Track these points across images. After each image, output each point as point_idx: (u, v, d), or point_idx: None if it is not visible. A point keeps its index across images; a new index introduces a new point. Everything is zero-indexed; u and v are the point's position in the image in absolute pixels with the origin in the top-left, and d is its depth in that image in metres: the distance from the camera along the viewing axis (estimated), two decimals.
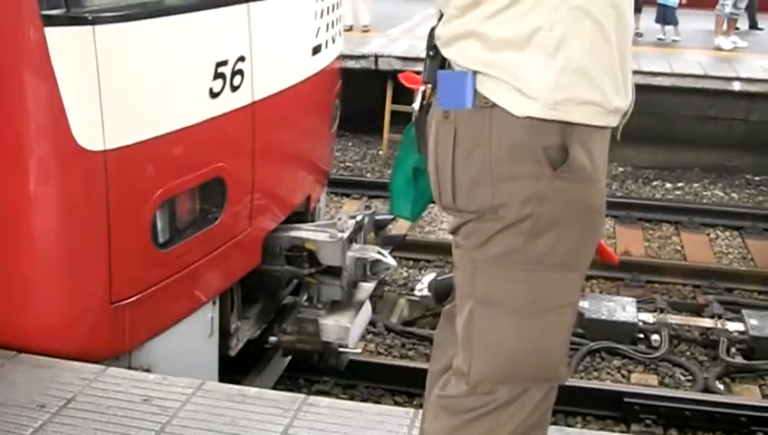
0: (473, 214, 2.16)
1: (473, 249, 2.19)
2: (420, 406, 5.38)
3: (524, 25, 2.02)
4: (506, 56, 2.06)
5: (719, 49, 13.15)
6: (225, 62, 3.73)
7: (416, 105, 2.55)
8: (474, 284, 2.21)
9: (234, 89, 3.82)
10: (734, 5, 13.60)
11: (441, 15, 2.30)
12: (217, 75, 3.69)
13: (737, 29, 14.35)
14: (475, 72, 2.11)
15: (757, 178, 10.99)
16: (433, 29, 2.35)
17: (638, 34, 14.21)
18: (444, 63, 2.27)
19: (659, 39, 14.01)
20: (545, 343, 2.17)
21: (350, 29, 13.29)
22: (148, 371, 3.57)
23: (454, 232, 2.29)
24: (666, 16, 14.10)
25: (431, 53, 2.34)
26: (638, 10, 14.27)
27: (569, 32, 2.01)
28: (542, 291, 2.14)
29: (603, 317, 6.58)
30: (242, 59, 3.86)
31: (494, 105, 2.07)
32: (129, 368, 3.52)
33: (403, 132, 2.79)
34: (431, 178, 2.34)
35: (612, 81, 2.09)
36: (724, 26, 13.60)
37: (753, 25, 15.97)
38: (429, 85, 2.42)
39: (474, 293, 2.20)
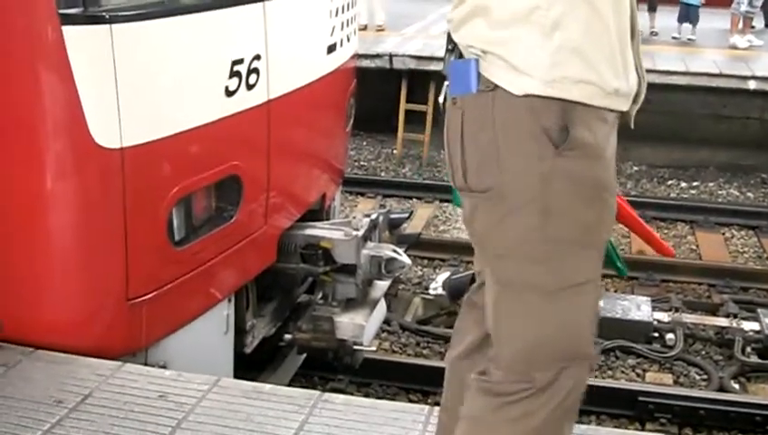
0: (483, 193, 2.19)
1: (489, 232, 2.23)
2: (436, 404, 5.39)
3: (524, 3, 2.06)
4: (506, 34, 2.11)
5: (735, 48, 13.10)
6: (240, 61, 3.75)
7: (441, 99, 2.57)
8: (494, 268, 2.24)
9: (249, 87, 3.84)
10: (750, 4, 13.55)
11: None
12: (233, 74, 3.71)
13: (753, 27, 14.29)
14: (477, 59, 2.17)
15: None
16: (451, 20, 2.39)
17: (654, 33, 14.18)
18: (459, 56, 2.31)
19: (674, 38, 13.96)
20: (570, 320, 2.20)
21: (364, 28, 13.30)
22: (164, 367, 3.59)
23: (470, 217, 2.31)
24: (689, 15, 14.04)
25: (449, 47, 2.39)
26: (652, 9, 14.23)
27: (566, 12, 2.05)
28: (561, 269, 2.16)
29: (618, 316, 6.57)
30: (257, 57, 3.87)
31: (496, 87, 2.12)
32: (146, 364, 3.54)
33: None
34: (446, 162, 2.39)
35: (611, 63, 2.12)
36: (740, 25, 13.54)
37: None
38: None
39: (496, 277, 2.24)
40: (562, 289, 2.16)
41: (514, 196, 2.13)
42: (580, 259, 2.18)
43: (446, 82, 2.50)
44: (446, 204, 9.84)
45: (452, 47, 2.37)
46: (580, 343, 2.25)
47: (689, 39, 13.95)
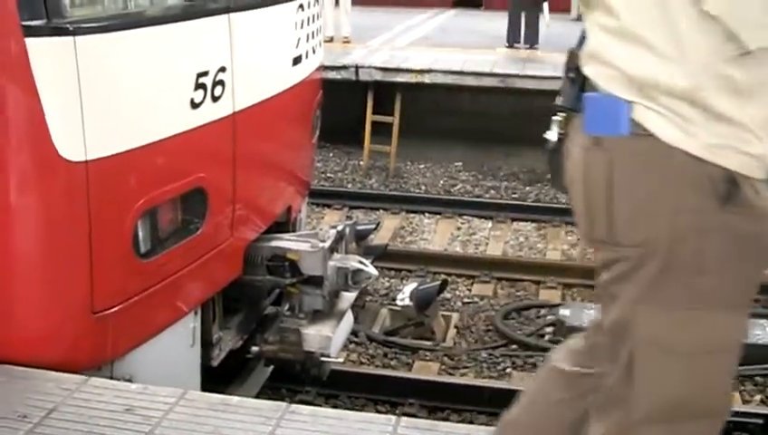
0: (632, 248, 2.07)
1: (633, 290, 2.09)
2: (404, 414, 5.41)
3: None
4: None
5: None
6: (206, 73, 3.75)
7: (551, 135, 2.45)
8: (633, 324, 2.11)
9: (215, 99, 3.84)
10: None
11: (582, 33, 2.23)
12: (198, 86, 3.71)
13: None
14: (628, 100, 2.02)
15: None
16: (573, 50, 2.27)
17: None
18: (584, 85, 2.17)
19: None
20: (710, 382, 2.11)
21: (330, 40, 13.32)
22: (130, 380, 3.57)
23: (604, 268, 2.18)
24: None
25: (571, 76, 2.25)
26: None
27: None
28: (707, 332, 2.05)
29: (585, 325, 6.51)
30: (223, 69, 3.87)
31: (652, 134, 1.99)
32: (112, 378, 3.52)
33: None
34: (578, 209, 2.24)
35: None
36: None
37: None
38: (563, 114, 2.36)
39: (633, 334, 2.11)
40: (706, 352, 2.06)
41: (667, 252, 2.01)
42: (726, 322, 2.07)
43: (555, 118, 2.41)
44: (412, 215, 9.87)
45: (575, 75, 2.23)
46: (718, 403, 2.17)
47: None
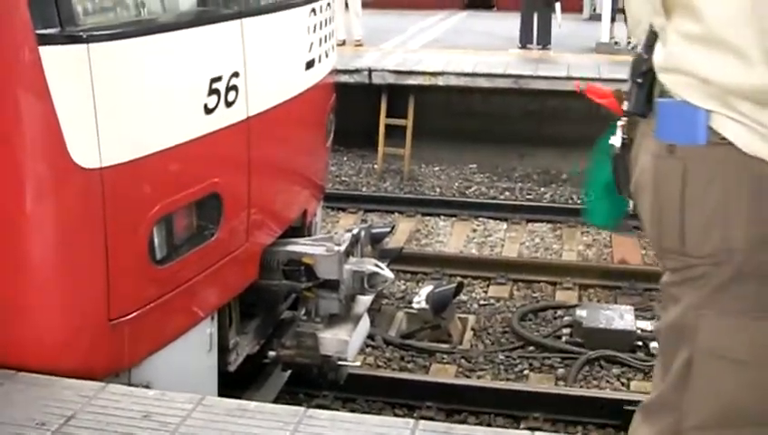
0: (703, 259, 2.06)
1: (699, 296, 2.08)
2: (422, 418, 5.40)
3: None
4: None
5: None
6: (219, 78, 3.75)
7: (616, 140, 2.46)
8: (696, 332, 2.09)
9: (228, 105, 3.84)
10: None
11: (650, 38, 2.22)
12: (212, 91, 3.71)
13: None
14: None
15: None
16: (640, 56, 2.25)
17: (616, 43, 14.32)
18: (651, 91, 2.18)
19: (634, 49, 14.09)
20: None
21: (342, 43, 13.34)
22: (148, 387, 3.57)
23: (671, 276, 2.17)
24: None
25: (639, 81, 2.24)
26: (612, 19, 14.40)
27: None
28: None
29: (601, 326, 6.59)
30: (236, 75, 3.87)
31: (730, 143, 1.98)
32: (129, 384, 3.52)
33: (596, 144, 2.69)
34: (646, 217, 2.22)
35: None
36: None
37: None
38: (626, 119, 2.36)
39: (694, 340, 2.09)
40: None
41: (739, 262, 2.00)
42: None
43: (620, 122, 2.41)
44: (428, 217, 9.87)
45: (642, 81, 2.22)
46: None
47: None
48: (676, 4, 2.08)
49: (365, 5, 14.45)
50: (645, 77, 2.21)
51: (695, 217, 2.05)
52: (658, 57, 2.15)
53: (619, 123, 2.42)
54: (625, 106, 2.35)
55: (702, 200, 2.04)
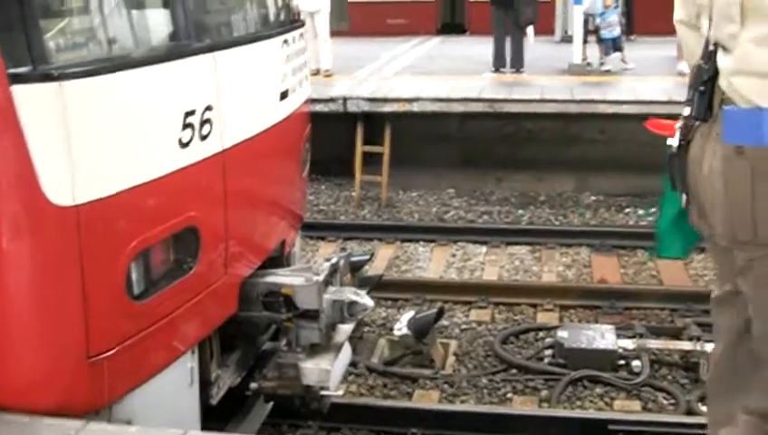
0: None
1: None
2: None
3: None
4: None
5: (682, 74, 13.31)
6: (192, 112, 3.75)
7: (673, 142, 2.77)
8: None
9: (203, 138, 3.84)
10: None
11: (709, 50, 2.52)
12: (186, 125, 3.71)
13: None
14: None
15: None
16: (700, 66, 2.56)
17: (588, 64, 14.45)
18: (711, 98, 2.47)
19: (607, 69, 14.23)
20: None
21: (316, 72, 13.38)
22: (129, 423, 3.55)
23: (744, 271, 2.50)
24: (615, 44, 14.39)
25: (701, 89, 2.52)
26: (584, 41, 14.55)
27: None
28: None
29: (583, 346, 6.61)
30: (210, 108, 3.88)
31: None
32: (110, 422, 3.50)
33: (663, 178, 3.02)
34: (716, 214, 2.53)
35: None
36: None
37: None
38: (683, 124, 2.70)
39: None
40: None
41: None
42: None
43: (677, 125, 2.73)
44: (407, 244, 9.88)
45: (704, 89, 2.52)
46: None
47: (627, 68, 14.23)
48: (752, 11, 2.33)
49: (339, 34, 14.49)
50: (706, 85, 2.51)
51: (766, 210, 2.34)
52: (726, 62, 2.43)
53: (678, 126, 2.73)
54: (685, 111, 2.66)
55: None
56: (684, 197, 2.88)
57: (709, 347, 6.51)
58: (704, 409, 5.97)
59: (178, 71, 3.73)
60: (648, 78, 13.16)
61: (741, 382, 2.87)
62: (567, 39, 17.38)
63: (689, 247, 3.32)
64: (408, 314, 6.95)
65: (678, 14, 2.99)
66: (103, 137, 3.30)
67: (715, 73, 2.56)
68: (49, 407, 3.35)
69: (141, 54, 3.82)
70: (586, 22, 14.65)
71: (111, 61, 3.54)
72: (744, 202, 2.37)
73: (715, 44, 2.55)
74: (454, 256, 9.57)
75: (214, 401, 4.37)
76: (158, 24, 4.06)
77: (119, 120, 3.37)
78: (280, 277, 4.60)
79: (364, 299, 4.60)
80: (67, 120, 3.12)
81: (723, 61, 2.47)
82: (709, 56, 2.55)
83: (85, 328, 3.33)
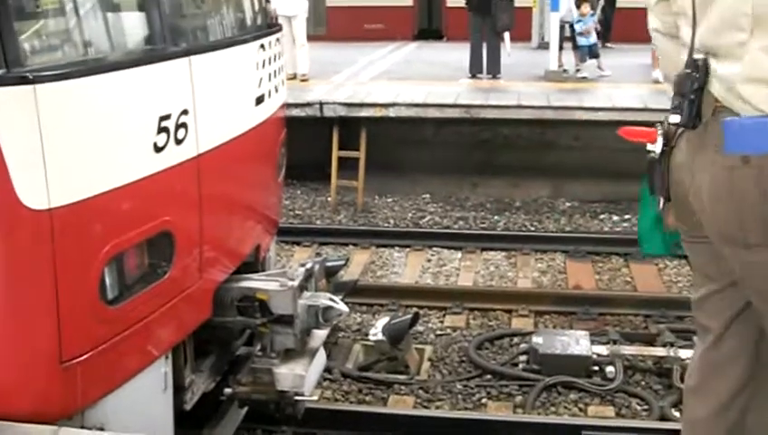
0: None
1: None
2: None
3: None
4: None
5: (658, 81, 13.39)
6: (168, 116, 3.74)
7: (655, 148, 2.88)
8: None
9: (178, 142, 3.82)
10: None
11: (693, 56, 2.63)
12: (161, 129, 3.69)
13: None
14: None
15: None
16: (689, 74, 2.64)
17: (564, 71, 14.52)
18: (699, 106, 2.57)
19: (583, 76, 14.30)
20: None
21: (293, 77, 13.37)
22: (101, 429, 3.53)
23: (753, 265, 2.63)
24: (591, 52, 14.47)
25: (691, 97, 2.60)
26: (560, 47, 14.63)
27: None
28: None
29: (557, 352, 6.63)
30: (185, 112, 3.86)
31: None
32: (83, 427, 3.48)
33: (641, 182, 3.15)
34: (721, 222, 2.63)
35: None
36: None
37: None
38: (665, 130, 2.83)
39: None
40: None
41: None
42: None
43: (660, 131, 2.84)
44: (382, 249, 9.88)
45: (693, 97, 2.60)
46: None
47: (604, 74, 14.30)
48: (763, 20, 2.41)
49: (315, 39, 14.48)
50: (696, 93, 2.58)
51: None
52: (731, 70, 2.49)
53: (660, 132, 2.85)
54: (672, 119, 2.73)
55: None
56: (661, 200, 2.96)
57: (683, 353, 6.58)
58: (677, 414, 6.01)
59: (154, 75, 3.72)
60: (624, 85, 13.23)
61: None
62: (544, 45, 17.46)
63: (672, 244, 3.40)
64: (382, 320, 6.95)
65: (653, 22, 3.03)
66: (78, 140, 3.28)
67: (705, 82, 2.62)
68: (21, 412, 3.33)
69: (116, 58, 3.80)
70: (562, 28, 14.73)
71: (86, 64, 3.52)
72: (754, 207, 2.45)
73: (707, 52, 2.60)
74: (429, 261, 9.58)
75: (188, 407, 4.36)
76: (133, 27, 4.04)
77: (93, 124, 3.36)
78: (254, 282, 4.59)
79: (339, 304, 4.60)
80: (41, 123, 3.10)
81: (724, 69, 2.53)
82: (696, 64, 2.62)
83: (58, 332, 3.30)
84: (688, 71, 2.65)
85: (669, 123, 2.80)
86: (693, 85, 2.60)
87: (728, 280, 2.98)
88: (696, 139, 2.69)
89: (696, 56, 2.65)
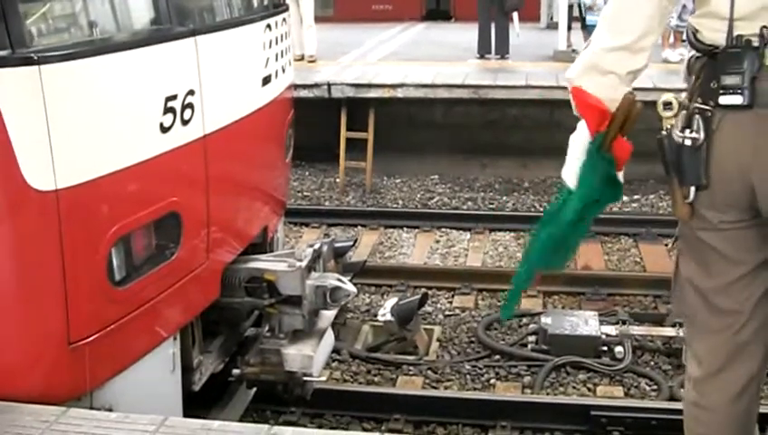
0: None
1: None
2: (389, 431, 5.39)
3: None
4: None
5: (667, 61, 13.33)
6: (174, 97, 3.73)
7: (698, 136, 2.88)
8: None
9: (184, 123, 3.82)
10: (680, 18, 13.77)
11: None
12: (167, 110, 3.69)
13: (683, 41, 14.53)
14: None
15: None
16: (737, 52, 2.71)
17: (573, 51, 14.44)
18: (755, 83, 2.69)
19: None
20: None
21: (301, 58, 13.34)
22: (110, 410, 3.53)
23: None
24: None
25: (755, 75, 2.68)
26: (569, 27, 14.52)
27: None
28: None
29: (566, 332, 6.62)
30: (191, 93, 3.85)
31: None
32: (91, 408, 3.48)
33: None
34: (745, 194, 2.81)
35: None
36: (671, 39, 13.78)
37: None
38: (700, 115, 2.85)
39: None
40: None
41: None
42: None
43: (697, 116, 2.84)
44: (390, 230, 9.87)
45: (758, 75, 2.68)
46: None
47: None
48: None
49: (323, 20, 14.42)
50: (759, 71, 2.65)
51: None
52: None
53: (696, 118, 2.87)
54: (732, 100, 2.77)
55: None
56: (692, 190, 2.93)
57: None
58: None
59: (159, 55, 3.71)
60: None
61: None
62: (553, 26, 17.37)
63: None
64: (391, 301, 6.94)
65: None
66: (83, 121, 3.27)
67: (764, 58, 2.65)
68: (29, 393, 3.33)
69: (122, 38, 3.78)
70: (571, 8, 14.64)
71: (91, 45, 3.51)
72: None
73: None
74: (437, 242, 9.57)
75: (196, 388, 4.37)
76: (139, 7, 4.03)
77: (99, 105, 3.35)
78: (262, 263, 4.59)
79: (347, 285, 4.59)
80: (47, 104, 3.09)
81: None
82: (754, 41, 2.69)
83: (66, 314, 3.31)
84: (738, 49, 2.69)
85: (721, 105, 2.79)
86: (754, 64, 2.63)
87: (761, 259, 2.98)
88: (747, 120, 2.74)
89: (741, 32, 2.68)
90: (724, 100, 2.77)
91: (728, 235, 2.97)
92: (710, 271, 3.04)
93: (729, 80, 2.74)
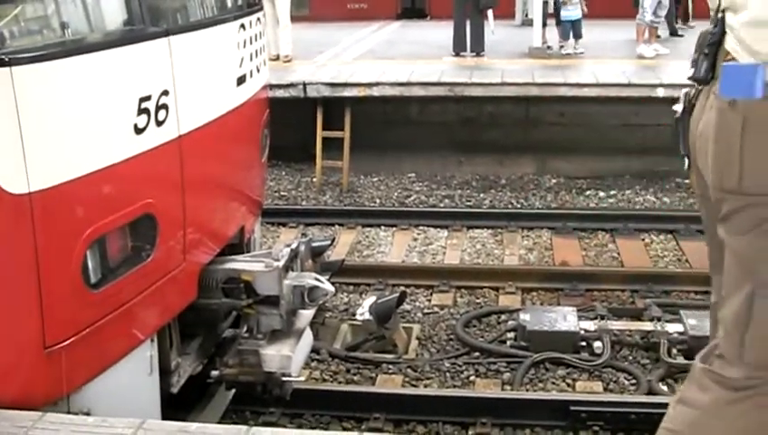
0: (758, 196, 2.43)
1: (756, 233, 2.46)
2: (369, 430, 5.38)
3: None
4: None
5: (642, 57, 13.38)
6: (148, 98, 3.70)
7: (678, 107, 2.90)
8: (755, 267, 2.48)
9: (159, 123, 3.79)
10: (655, 14, 13.85)
11: (717, 15, 2.63)
12: (141, 111, 3.66)
13: (658, 37, 14.61)
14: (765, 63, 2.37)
15: (687, 181, 11.16)
16: (707, 32, 2.68)
17: (548, 47, 14.48)
18: (714, 62, 2.59)
19: (567, 53, 14.20)
20: None
21: (276, 58, 13.30)
22: (87, 414, 3.51)
23: (725, 218, 2.56)
24: (575, 30, 14.35)
25: (705, 52, 2.64)
26: (543, 24, 14.55)
27: None
28: None
29: (545, 328, 6.63)
30: (165, 93, 3.83)
31: None
32: (69, 413, 3.45)
33: None
34: (707, 164, 2.61)
35: None
36: (646, 35, 13.84)
37: (674, 32, 16.27)
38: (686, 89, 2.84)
39: (755, 277, 2.47)
40: None
41: None
42: None
43: (683, 91, 2.84)
44: (368, 228, 9.86)
45: (708, 51, 2.63)
46: None
47: (577, 52, 14.19)
48: None
49: (299, 19, 14.38)
50: (711, 48, 2.62)
51: (753, 160, 2.42)
52: (743, 18, 2.52)
53: (683, 91, 2.87)
54: (688, 74, 2.79)
55: (758, 147, 2.41)
56: (686, 160, 2.99)
57: (670, 327, 6.60)
58: (664, 388, 6.04)
59: (133, 55, 3.68)
60: (608, 61, 13.20)
61: None
62: (528, 23, 17.39)
63: None
64: (370, 299, 6.93)
65: None
66: (56, 123, 3.24)
67: (721, 37, 2.64)
68: (5, 400, 3.31)
69: (94, 39, 3.75)
70: (545, 5, 14.67)
71: (64, 46, 3.48)
72: (733, 152, 2.44)
73: (724, 10, 2.64)
74: (415, 240, 9.57)
75: (174, 390, 4.34)
76: (111, 8, 3.99)
77: (72, 106, 3.32)
78: (240, 264, 4.57)
79: (324, 284, 4.57)
80: (18, 106, 3.06)
81: (734, 20, 2.54)
82: (717, 22, 2.65)
83: (41, 318, 3.28)
84: (710, 28, 2.70)
85: (688, 78, 2.84)
86: (709, 40, 2.64)
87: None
88: (706, 92, 2.73)
89: (719, 15, 2.69)
90: (688, 73, 2.85)
91: (710, 207, 3.00)
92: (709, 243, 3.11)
93: (693, 55, 2.80)
